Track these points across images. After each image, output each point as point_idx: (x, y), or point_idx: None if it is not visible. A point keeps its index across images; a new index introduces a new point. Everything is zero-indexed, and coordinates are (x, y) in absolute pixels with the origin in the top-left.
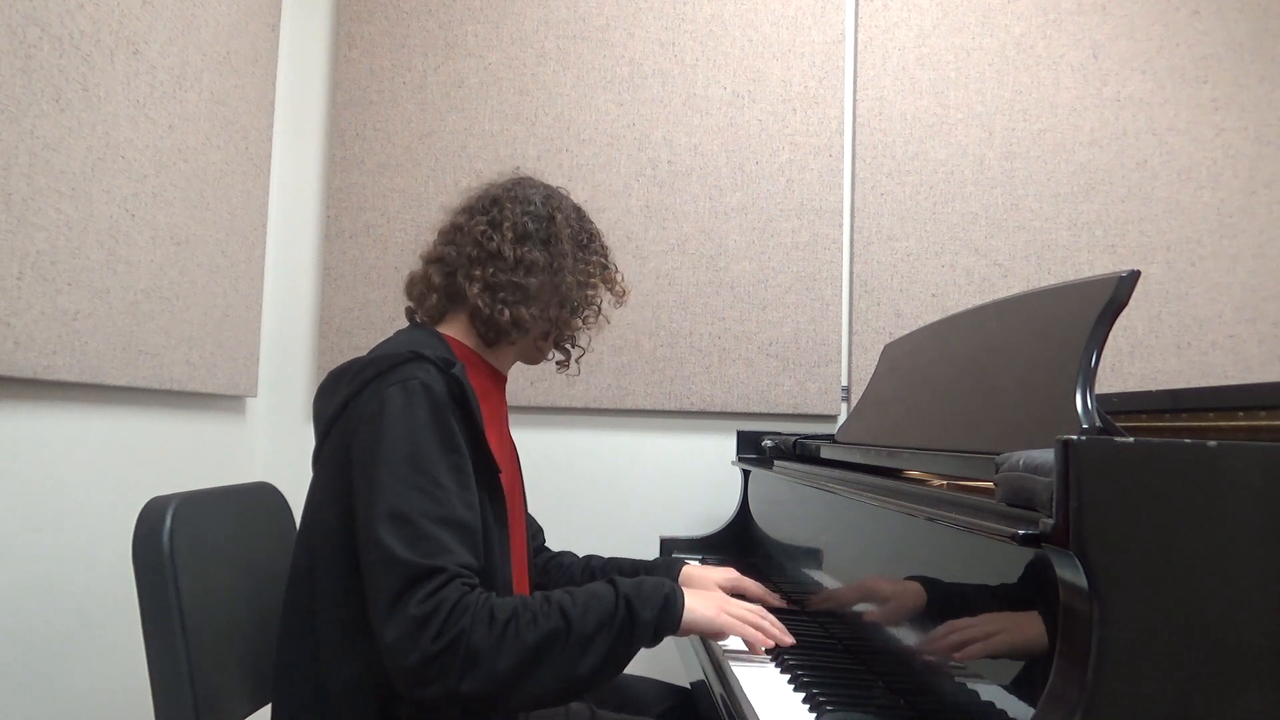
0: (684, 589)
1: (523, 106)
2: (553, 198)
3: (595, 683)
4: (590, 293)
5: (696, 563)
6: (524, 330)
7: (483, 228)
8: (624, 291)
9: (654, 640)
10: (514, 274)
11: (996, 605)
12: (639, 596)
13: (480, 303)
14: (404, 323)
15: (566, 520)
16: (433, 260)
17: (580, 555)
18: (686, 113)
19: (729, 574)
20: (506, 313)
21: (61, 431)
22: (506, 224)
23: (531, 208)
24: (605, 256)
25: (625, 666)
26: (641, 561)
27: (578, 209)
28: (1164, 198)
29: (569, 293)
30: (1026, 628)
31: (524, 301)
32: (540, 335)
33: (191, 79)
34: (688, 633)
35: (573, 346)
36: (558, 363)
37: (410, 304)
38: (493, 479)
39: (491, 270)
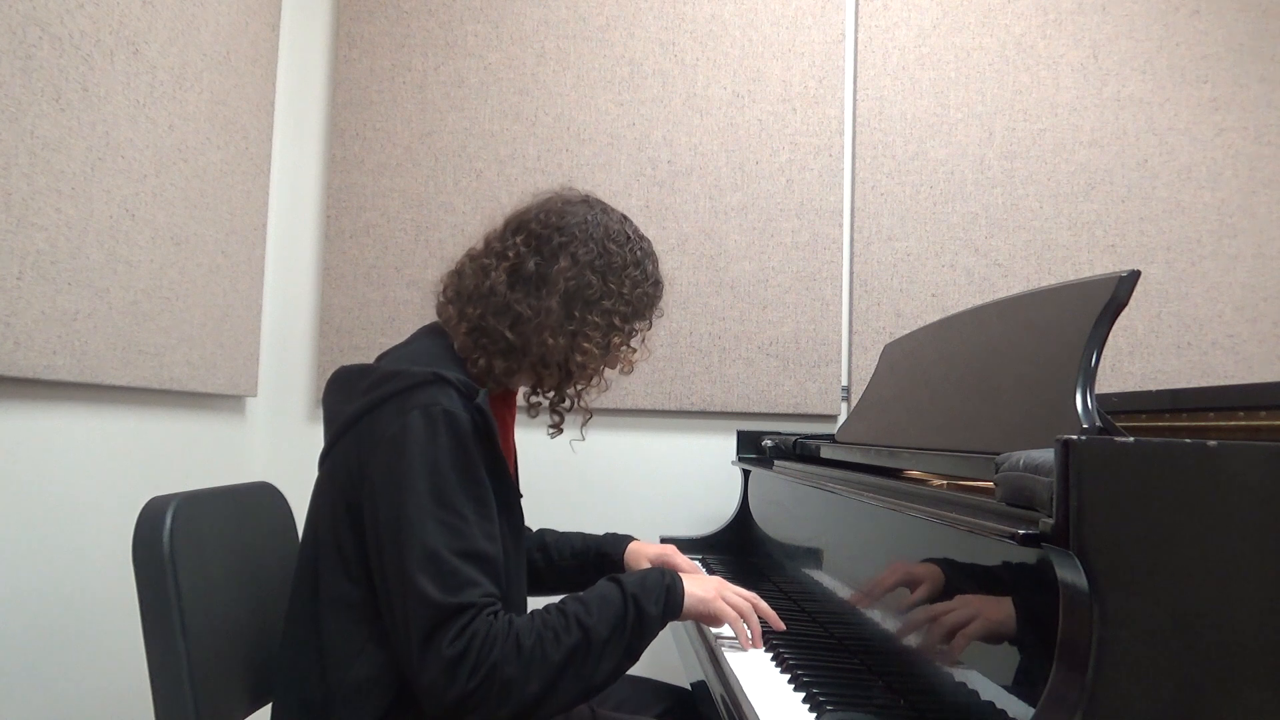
0: (683, 576)
1: (523, 106)
2: (576, 241)
3: (613, 680)
4: (580, 358)
5: (667, 543)
6: (500, 383)
7: (488, 259)
8: (629, 365)
9: (661, 628)
10: (500, 321)
11: (997, 605)
12: (644, 592)
13: (458, 343)
14: (404, 321)
15: (566, 520)
16: (455, 270)
17: (533, 530)
18: (686, 113)
19: (661, 549)
20: (481, 361)
21: (61, 431)
22: (507, 261)
23: (545, 246)
24: (620, 318)
25: (638, 659)
26: (591, 537)
27: (607, 253)
28: (1164, 198)
29: (549, 355)
30: (1026, 627)
31: (502, 354)
32: (529, 389)
33: (191, 79)
34: (686, 618)
35: (571, 409)
36: (548, 428)
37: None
38: (513, 505)
39: (480, 311)
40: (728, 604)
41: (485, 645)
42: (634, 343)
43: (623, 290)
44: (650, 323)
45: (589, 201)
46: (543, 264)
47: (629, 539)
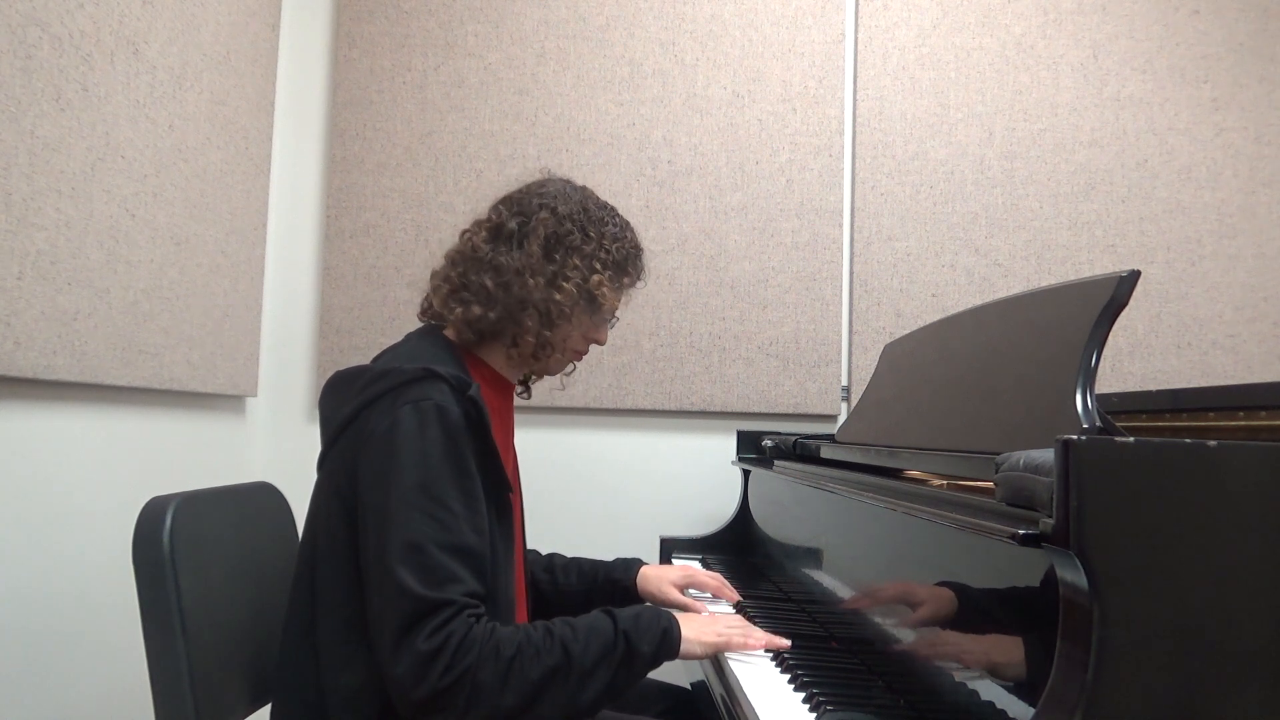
0: (679, 617)
1: (523, 106)
2: (557, 198)
3: (595, 710)
4: (559, 297)
5: (653, 563)
6: (477, 330)
7: (470, 229)
8: (610, 306)
9: (654, 668)
10: (482, 275)
11: (997, 605)
12: (637, 631)
13: (437, 300)
14: (404, 321)
15: (566, 520)
16: (446, 258)
17: (543, 553)
18: (686, 113)
19: (684, 571)
20: (459, 311)
21: (61, 431)
22: (490, 223)
23: (526, 206)
24: (600, 262)
25: (624, 694)
26: (601, 562)
27: (585, 209)
28: (1164, 198)
29: (528, 296)
30: (1026, 627)
31: (480, 301)
32: (509, 343)
33: (191, 79)
34: (686, 659)
35: (551, 354)
36: (519, 381)
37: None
38: (503, 499)
39: (461, 269)
40: (725, 640)
41: (463, 646)
42: (618, 292)
43: (603, 241)
44: (634, 280)
45: (567, 180)
46: (524, 221)
47: (639, 563)
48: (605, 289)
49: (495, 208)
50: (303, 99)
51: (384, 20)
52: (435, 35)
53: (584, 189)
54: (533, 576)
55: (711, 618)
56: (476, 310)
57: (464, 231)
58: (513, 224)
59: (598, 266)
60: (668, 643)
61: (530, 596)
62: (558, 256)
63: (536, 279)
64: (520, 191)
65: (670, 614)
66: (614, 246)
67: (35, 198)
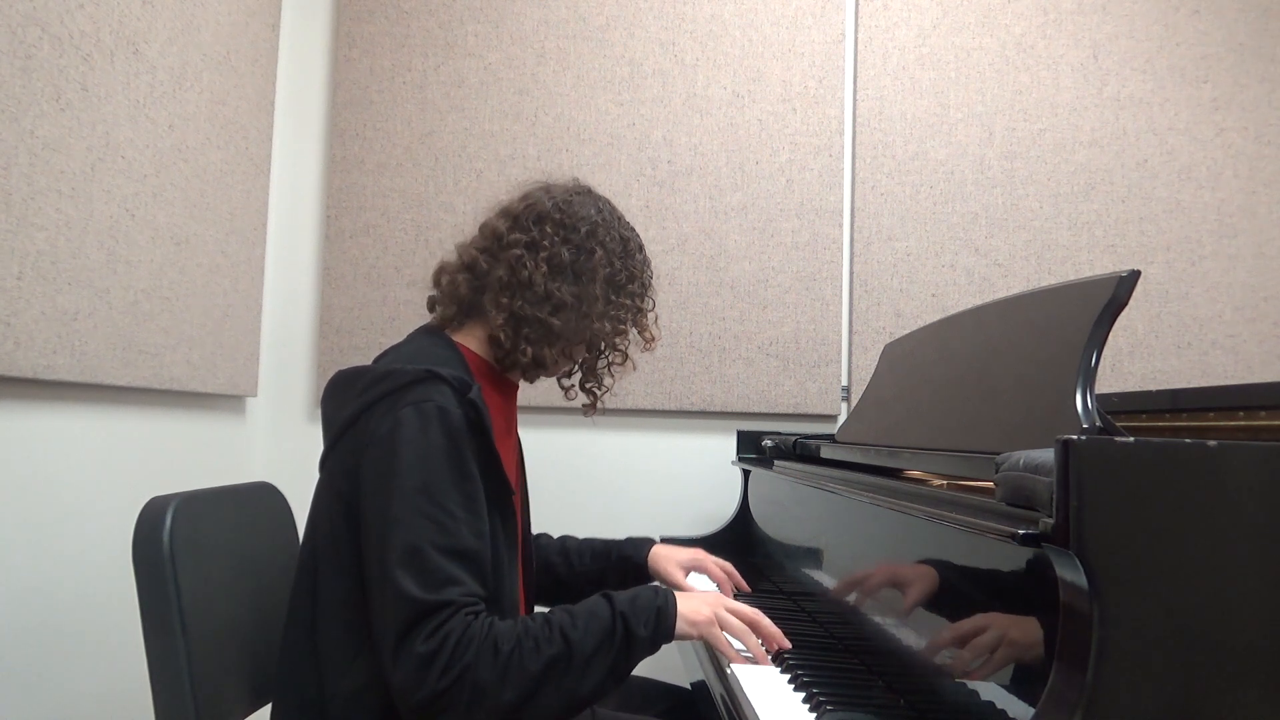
0: (678, 596)
1: (523, 106)
2: (600, 228)
3: (597, 698)
4: (618, 339)
5: (665, 543)
6: (543, 368)
7: (519, 250)
8: (653, 338)
9: (652, 651)
10: (540, 309)
11: (997, 605)
12: (634, 613)
13: (503, 334)
14: (404, 321)
15: (566, 520)
16: (465, 265)
17: (555, 536)
18: (686, 113)
19: (693, 554)
20: (529, 351)
21: (61, 431)
22: (543, 252)
23: (575, 235)
24: (641, 298)
25: (626, 679)
26: (613, 541)
27: (625, 240)
28: (1164, 198)
29: (594, 338)
30: (1027, 627)
31: (547, 341)
32: (563, 374)
33: (191, 79)
34: (681, 640)
35: (598, 389)
36: (583, 406)
37: (435, 294)
38: (505, 501)
39: (520, 302)
40: (724, 626)
41: (460, 646)
42: (651, 319)
43: (637, 272)
44: (653, 302)
45: (590, 191)
46: (576, 253)
47: (651, 542)
48: (649, 326)
49: (536, 229)
50: (303, 99)
51: (384, 20)
52: (435, 35)
53: (609, 205)
54: (547, 561)
55: (717, 597)
56: (548, 351)
57: (504, 249)
58: (564, 253)
59: (639, 303)
60: (663, 624)
61: (547, 582)
62: (614, 297)
63: (602, 322)
64: (559, 211)
65: (668, 593)
66: (644, 275)
67: (35, 198)
